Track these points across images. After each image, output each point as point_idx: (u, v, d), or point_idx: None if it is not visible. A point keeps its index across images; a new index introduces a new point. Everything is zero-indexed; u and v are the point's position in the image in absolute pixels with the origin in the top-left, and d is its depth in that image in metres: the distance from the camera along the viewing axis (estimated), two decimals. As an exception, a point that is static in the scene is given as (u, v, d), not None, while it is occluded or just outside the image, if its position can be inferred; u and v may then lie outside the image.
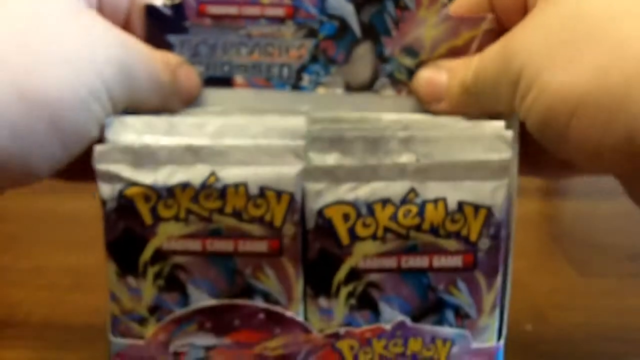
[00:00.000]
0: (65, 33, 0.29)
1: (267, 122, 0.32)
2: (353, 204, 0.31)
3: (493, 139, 0.31)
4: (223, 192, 0.30)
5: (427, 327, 0.32)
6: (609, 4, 0.28)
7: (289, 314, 0.31)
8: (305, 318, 0.32)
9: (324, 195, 0.31)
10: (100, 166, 0.31)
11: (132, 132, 0.31)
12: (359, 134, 0.31)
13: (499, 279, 0.32)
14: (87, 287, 0.50)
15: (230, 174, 0.30)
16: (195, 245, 0.31)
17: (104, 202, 0.31)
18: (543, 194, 0.73)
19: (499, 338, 0.33)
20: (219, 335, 0.32)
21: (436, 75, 0.34)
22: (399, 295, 0.32)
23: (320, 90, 0.37)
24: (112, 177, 0.31)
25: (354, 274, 0.31)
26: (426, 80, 0.35)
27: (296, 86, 0.37)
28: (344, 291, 0.32)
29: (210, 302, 0.31)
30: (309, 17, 0.37)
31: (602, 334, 0.45)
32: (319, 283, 0.32)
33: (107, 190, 0.31)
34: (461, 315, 0.32)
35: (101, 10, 0.33)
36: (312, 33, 0.37)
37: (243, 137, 0.31)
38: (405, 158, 0.31)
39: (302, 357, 0.32)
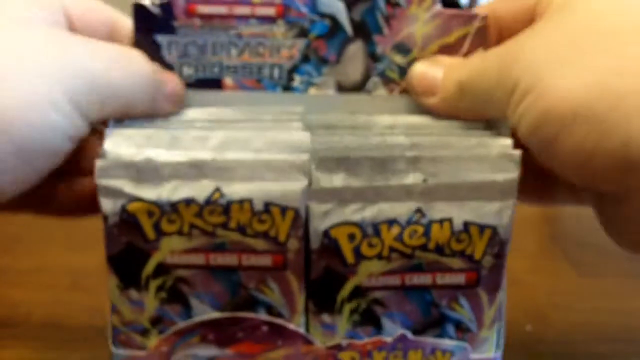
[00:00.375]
0: (19, 48, 0.29)
1: (269, 135, 0.31)
2: (359, 225, 0.31)
3: (500, 158, 0.32)
4: (227, 208, 0.30)
5: (427, 340, 0.32)
6: (619, 18, 0.28)
7: (291, 326, 0.32)
8: (307, 332, 0.33)
9: (330, 216, 0.31)
10: (102, 181, 0.30)
11: (133, 145, 0.31)
12: (366, 154, 0.31)
13: (501, 294, 0.33)
14: (87, 287, 0.50)
15: (235, 190, 0.30)
16: (198, 259, 0.31)
17: (105, 217, 0.31)
18: None
19: (497, 349, 0.34)
20: (222, 347, 0.32)
21: (432, 70, 0.34)
22: (402, 312, 0.32)
23: (312, 91, 0.37)
24: (114, 192, 0.30)
25: (358, 292, 0.32)
26: (421, 74, 0.35)
27: (287, 87, 0.37)
28: (348, 308, 0.32)
29: (214, 314, 0.32)
30: (300, 16, 0.37)
31: (602, 334, 0.45)
32: (323, 300, 0.32)
33: (109, 205, 0.30)
34: (462, 329, 0.33)
35: (74, 27, 0.32)
36: (303, 32, 0.37)
37: (246, 151, 0.31)
38: (412, 178, 0.31)
39: (305, 367, 0.33)
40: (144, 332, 0.32)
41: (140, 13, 0.35)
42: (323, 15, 0.36)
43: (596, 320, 0.47)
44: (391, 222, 0.31)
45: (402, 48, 0.36)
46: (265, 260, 0.31)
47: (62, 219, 0.35)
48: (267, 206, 0.30)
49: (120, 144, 0.31)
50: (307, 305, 0.32)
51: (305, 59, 0.37)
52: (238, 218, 0.30)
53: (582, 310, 0.48)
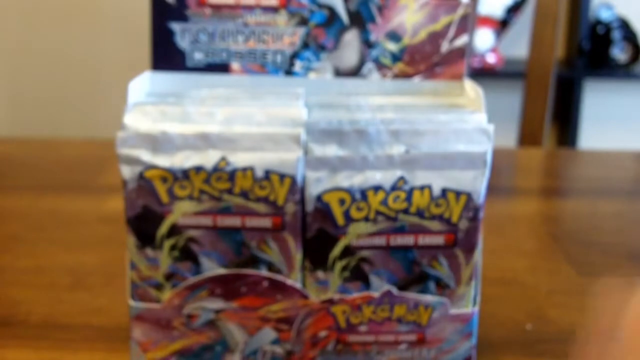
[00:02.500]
0: None
1: (269, 111, 0.35)
2: (348, 190, 0.34)
3: (475, 132, 0.35)
4: (232, 175, 0.34)
5: (411, 295, 0.36)
6: None
7: (289, 282, 0.35)
8: (304, 287, 0.36)
9: (323, 183, 0.34)
10: (122, 150, 0.34)
11: (149, 119, 0.35)
12: (355, 128, 0.35)
13: (476, 254, 0.36)
14: (87, 287, 0.50)
15: (239, 159, 0.34)
16: (207, 221, 0.35)
17: (125, 183, 0.34)
18: (543, 194, 0.73)
19: (474, 304, 0.37)
20: (228, 300, 0.36)
21: None
22: (387, 269, 0.36)
23: (312, 75, 0.41)
24: (133, 160, 0.34)
25: (348, 251, 0.35)
26: None
27: (289, 72, 0.41)
28: (339, 265, 0.36)
29: (220, 271, 0.35)
30: (300, 6, 0.40)
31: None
32: (317, 258, 0.36)
33: (128, 171, 0.34)
34: (442, 286, 0.36)
35: None
36: (303, 21, 0.40)
37: (249, 125, 0.35)
38: (396, 149, 0.35)
39: (301, 319, 0.36)
40: (159, 287, 0.36)
41: (156, 2, 0.39)
42: (321, 6, 0.40)
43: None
44: (377, 188, 0.34)
45: (394, 36, 0.39)
46: (266, 222, 0.35)
47: None
48: (267, 173, 0.34)
49: (138, 119, 0.35)
50: (304, 264, 0.36)
51: (305, 45, 0.41)
52: (241, 184, 0.34)
53: (583, 310, 0.48)
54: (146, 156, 0.34)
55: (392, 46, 0.40)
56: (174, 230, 0.35)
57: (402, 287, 0.36)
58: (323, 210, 0.35)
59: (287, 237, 0.35)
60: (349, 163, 0.34)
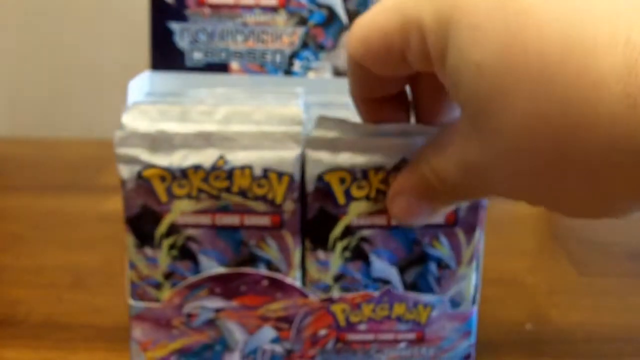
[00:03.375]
0: None
1: (268, 110, 0.35)
2: (349, 170, 0.34)
3: None
4: (230, 174, 0.34)
5: (410, 294, 0.36)
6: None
7: (288, 280, 0.36)
8: (304, 269, 0.36)
9: (324, 162, 0.34)
10: (120, 150, 0.34)
11: (148, 119, 0.35)
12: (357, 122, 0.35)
13: (477, 234, 0.36)
14: (87, 287, 0.50)
15: (237, 157, 0.34)
16: (205, 219, 0.35)
17: (123, 182, 0.34)
18: None
19: (473, 303, 0.37)
20: (227, 299, 0.36)
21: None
22: (388, 249, 0.36)
23: (311, 75, 0.41)
24: (132, 160, 0.34)
25: (349, 231, 0.35)
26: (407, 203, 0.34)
27: (288, 71, 0.41)
28: (340, 245, 0.35)
29: (220, 270, 0.35)
30: (299, 6, 0.40)
31: (602, 333, 0.45)
32: (318, 238, 0.35)
33: (126, 171, 0.34)
34: (442, 266, 0.36)
35: None
36: (302, 21, 0.41)
37: (247, 123, 0.35)
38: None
39: (300, 318, 0.36)
40: (158, 286, 0.36)
41: (155, 2, 0.39)
42: (321, 6, 0.40)
43: (596, 320, 0.47)
44: (378, 169, 0.34)
45: None
46: (264, 220, 0.35)
47: None
48: (265, 172, 0.34)
49: (136, 118, 0.35)
50: (304, 243, 0.36)
51: (304, 45, 0.41)
52: (240, 183, 0.34)
53: (582, 310, 0.48)
54: (144, 155, 0.34)
55: None
56: (173, 229, 0.35)
57: (403, 267, 0.36)
58: (324, 189, 0.35)
59: (285, 235, 0.35)
60: (350, 145, 0.34)
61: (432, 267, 0.36)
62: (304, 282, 0.36)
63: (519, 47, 0.25)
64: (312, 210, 0.35)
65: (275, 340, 0.36)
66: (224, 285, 0.35)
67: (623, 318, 0.47)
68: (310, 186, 0.35)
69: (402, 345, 0.37)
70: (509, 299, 0.50)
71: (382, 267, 0.36)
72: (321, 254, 0.36)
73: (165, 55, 0.40)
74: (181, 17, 0.40)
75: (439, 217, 0.35)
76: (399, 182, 0.33)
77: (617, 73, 0.23)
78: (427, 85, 0.34)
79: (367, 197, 0.35)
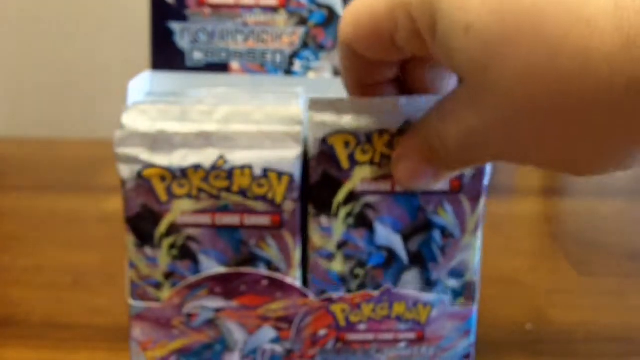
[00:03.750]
0: None
1: (268, 109, 0.35)
2: (353, 133, 0.34)
3: None
4: (230, 173, 0.34)
5: (410, 293, 0.36)
6: None
7: (288, 280, 0.36)
8: (306, 236, 0.36)
9: (328, 124, 0.34)
10: (120, 150, 0.34)
11: (148, 118, 0.35)
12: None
13: (482, 202, 0.36)
14: (87, 287, 0.50)
15: (237, 157, 0.34)
16: (205, 219, 0.35)
17: (123, 182, 0.34)
18: (543, 194, 0.73)
19: (473, 302, 0.37)
20: (227, 299, 0.36)
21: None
22: (392, 216, 0.35)
23: (311, 75, 0.41)
24: (131, 160, 0.34)
25: (353, 196, 0.35)
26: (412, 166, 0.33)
27: (288, 71, 0.41)
28: (343, 211, 0.35)
29: (220, 269, 0.35)
30: (299, 6, 0.40)
31: (602, 333, 0.45)
32: (321, 204, 0.35)
33: (126, 171, 0.34)
34: (446, 235, 0.36)
35: None
36: (302, 21, 0.41)
37: (247, 123, 0.35)
38: None
39: (300, 318, 0.36)
40: (158, 286, 0.36)
41: (156, 2, 0.40)
42: (320, 6, 0.40)
43: (596, 320, 0.47)
44: (382, 132, 0.34)
45: None
46: (264, 220, 0.35)
47: None
48: (265, 172, 0.34)
49: (136, 118, 0.35)
50: (308, 210, 0.35)
51: (304, 45, 0.41)
52: (240, 182, 0.34)
53: (582, 310, 0.48)
54: (144, 155, 0.34)
55: None
56: (173, 229, 0.35)
57: (407, 235, 0.36)
58: (327, 153, 0.34)
59: (285, 235, 0.35)
60: (354, 107, 0.34)
61: (437, 235, 0.36)
62: (306, 251, 0.36)
63: (512, 3, 0.25)
64: (316, 175, 0.35)
65: (275, 340, 0.36)
66: (224, 285, 0.35)
67: (623, 318, 0.47)
68: (313, 150, 0.34)
69: (402, 344, 0.37)
70: (509, 299, 0.50)
71: (386, 234, 0.36)
72: (324, 220, 0.35)
73: (166, 55, 0.40)
74: (181, 17, 0.40)
75: (442, 183, 0.34)
76: (403, 144, 0.33)
77: (606, 10, 0.23)
78: (420, 72, 0.34)
79: (372, 162, 0.34)
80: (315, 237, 0.36)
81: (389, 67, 0.33)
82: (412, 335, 0.37)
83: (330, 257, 0.36)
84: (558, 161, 0.28)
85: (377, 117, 0.34)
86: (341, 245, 0.36)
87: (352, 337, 0.37)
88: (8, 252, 0.56)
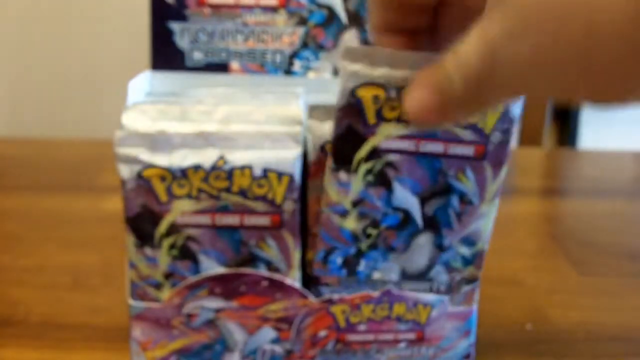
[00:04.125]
0: None
1: (267, 110, 0.35)
2: (384, 86, 0.33)
3: None
4: (230, 174, 0.34)
5: (410, 294, 0.36)
6: None
7: (288, 281, 0.36)
8: (322, 189, 0.35)
9: (360, 75, 0.33)
10: (120, 150, 0.34)
11: (148, 119, 0.35)
12: None
13: (504, 170, 0.35)
14: (87, 287, 0.50)
15: (237, 157, 0.34)
16: (205, 219, 0.35)
17: (123, 182, 0.34)
18: (543, 194, 0.73)
19: (474, 302, 0.37)
20: (227, 299, 0.36)
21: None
22: (412, 177, 0.34)
23: (311, 75, 0.41)
24: (132, 160, 0.34)
25: (375, 153, 0.34)
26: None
27: (288, 71, 0.41)
28: (363, 168, 0.34)
29: (220, 270, 0.35)
30: (299, 6, 0.40)
31: (602, 333, 0.45)
32: (342, 158, 0.34)
33: (126, 171, 0.34)
34: (465, 202, 0.35)
35: None
36: (302, 21, 0.41)
37: (247, 123, 0.35)
38: None
39: (300, 319, 0.36)
40: (158, 286, 0.36)
41: (156, 2, 0.39)
42: (320, 6, 0.40)
43: (596, 320, 0.47)
44: None
45: None
46: (264, 220, 0.35)
47: None
48: (265, 172, 0.34)
49: (136, 118, 0.35)
50: (326, 162, 0.35)
51: (304, 45, 0.41)
52: (240, 183, 0.34)
53: (582, 310, 0.48)
54: (144, 155, 0.34)
55: None
56: (173, 229, 0.35)
57: (426, 197, 0.35)
58: (355, 106, 0.33)
59: (285, 235, 0.35)
60: (388, 59, 0.32)
61: (455, 200, 0.35)
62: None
63: None
64: (340, 127, 0.34)
65: (275, 341, 0.36)
66: (224, 286, 0.35)
67: (623, 318, 0.47)
68: (341, 100, 0.33)
69: (402, 345, 0.37)
70: (509, 299, 0.50)
71: (404, 195, 0.35)
72: (343, 175, 0.34)
73: (165, 55, 0.40)
74: (181, 17, 0.40)
75: (449, 122, 0.33)
76: (419, 74, 0.31)
77: None
78: (451, 16, 0.33)
79: (398, 119, 0.33)
80: (332, 192, 0.35)
81: (420, 11, 0.32)
82: (412, 336, 0.37)
83: (344, 213, 0.35)
84: (577, 86, 0.26)
85: (411, 69, 0.32)
86: (357, 202, 0.35)
87: (352, 337, 0.37)
88: (8, 252, 0.56)
